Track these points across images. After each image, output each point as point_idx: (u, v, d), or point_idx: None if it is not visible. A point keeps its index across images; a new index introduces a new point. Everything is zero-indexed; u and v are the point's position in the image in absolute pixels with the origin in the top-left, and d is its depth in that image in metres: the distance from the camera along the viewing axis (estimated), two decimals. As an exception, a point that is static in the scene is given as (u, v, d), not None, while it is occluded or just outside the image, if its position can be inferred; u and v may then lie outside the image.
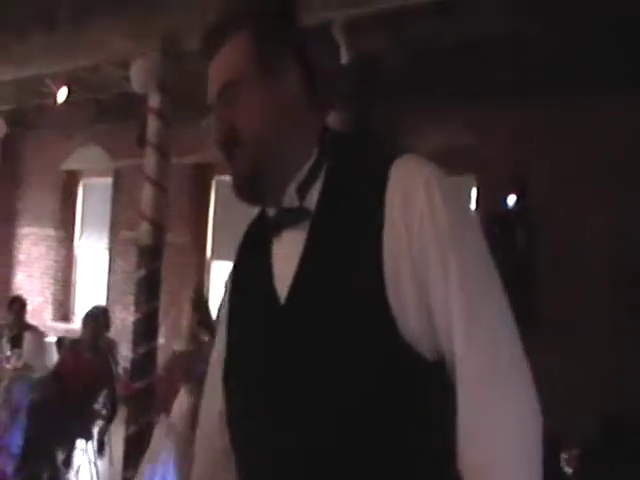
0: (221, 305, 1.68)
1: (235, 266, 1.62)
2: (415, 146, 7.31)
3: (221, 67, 1.44)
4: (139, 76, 6.80)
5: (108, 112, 9.19)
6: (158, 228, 6.97)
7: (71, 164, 11.00)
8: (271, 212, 1.51)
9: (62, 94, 8.06)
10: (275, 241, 1.48)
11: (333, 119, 7.26)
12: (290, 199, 1.44)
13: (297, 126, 1.42)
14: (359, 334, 1.27)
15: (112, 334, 7.42)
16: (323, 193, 1.41)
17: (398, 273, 1.28)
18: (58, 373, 6.33)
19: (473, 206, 7.18)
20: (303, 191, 1.42)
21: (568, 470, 5.40)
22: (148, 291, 6.84)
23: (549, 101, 6.38)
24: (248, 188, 1.49)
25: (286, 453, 1.32)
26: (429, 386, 1.31)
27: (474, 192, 7.20)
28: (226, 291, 1.64)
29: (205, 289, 9.54)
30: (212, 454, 1.56)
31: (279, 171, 1.42)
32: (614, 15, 5.13)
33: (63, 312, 11.14)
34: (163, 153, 6.95)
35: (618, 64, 5.71)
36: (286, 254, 1.42)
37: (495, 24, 5.57)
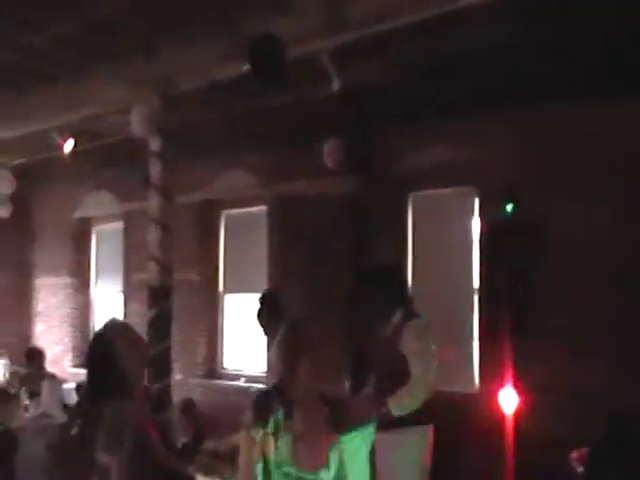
0: None
1: None
2: (415, 163, 7.48)
3: None
4: (139, 122, 7.01)
5: (114, 158, 9.42)
6: (166, 268, 7.15)
7: (83, 211, 11.25)
8: None
9: (69, 145, 8.28)
10: None
11: (333, 145, 7.49)
12: None
13: None
14: None
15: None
16: None
17: None
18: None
19: (475, 218, 7.32)
20: None
21: (579, 468, 5.48)
22: (160, 330, 7.01)
23: (537, 110, 6.52)
24: None
25: None
26: None
27: (476, 203, 7.31)
28: None
29: (219, 326, 9.71)
30: None
31: None
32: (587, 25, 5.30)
33: (82, 358, 11.30)
34: (166, 194, 7.14)
35: (596, 69, 5.86)
36: None
37: (482, 39, 5.72)
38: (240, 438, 4.78)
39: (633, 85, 5.85)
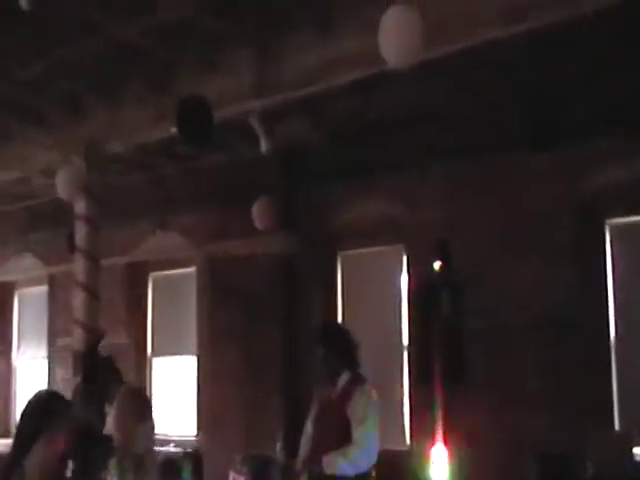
0: None
1: None
2: (346, 220, 7.57)
3: None
4: (64, 184, 6.92)
5: (39, 220, 9.26)
6: (92, 333, 7.00)
7: (5, 275, 10.96)
8: None
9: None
10: None
11: (262, 205, 7.53)
12: None
13: None
14: None
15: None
16: None
17: None
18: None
19: (404, 275, 7.41)
20: None
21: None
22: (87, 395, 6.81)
23: (466, 168, 6.71)
24: None
25: None
26: None
27: (404, 261, 7.43)
28: None
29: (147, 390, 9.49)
30: None
31: None
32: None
33: (3, 428, 10.85)
34: (92, 257, 7.04)
35: (521, 125, 6.08)
36: None
37: (409, 100, 5.89)
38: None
39: (556, 140, 6.06)
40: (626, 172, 6.15)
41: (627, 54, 5.21)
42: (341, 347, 4.73)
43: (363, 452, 4.46)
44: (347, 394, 4.58)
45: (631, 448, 5.78)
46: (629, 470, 5.62)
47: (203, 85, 5.85)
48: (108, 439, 3.50)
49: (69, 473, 3.05)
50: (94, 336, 7.50)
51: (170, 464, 5.09)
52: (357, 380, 4.64)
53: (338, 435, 4.46)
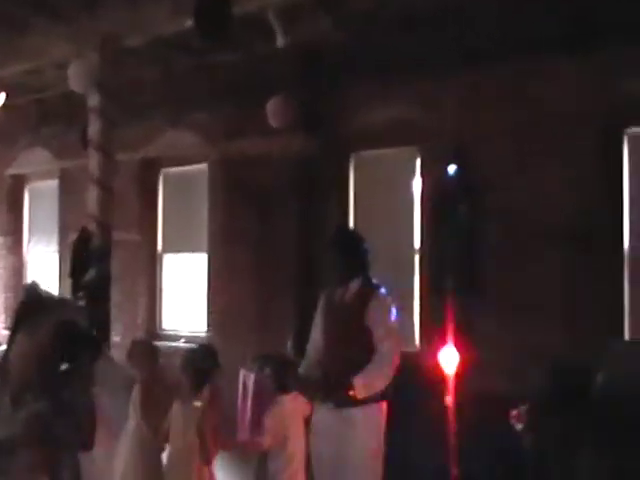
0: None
1: None
2: (359, 123, 7.47)
3: None
4: (77, 77, 6.83)
5: (51, 114, 9.16)
6: (105, 228, 7.03)
7: (16, 169, 10.93)
8: None
9: (0, 100, 8.00)
10: None
11: (277, 102, 7.42)
12: None
13: None
14: None
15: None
16: None
17: None
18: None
19: (417, 179, 7.37)
20: None
21: (518, 426, 5.64)
22: (98, 291, 6.90)
23: (491, 70, 6.54)
24: None
25: None
26: None
27: (418, 163, 7.37)
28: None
29: (158, 286, 9.61)
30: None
31: None
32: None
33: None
34: (106, 152, 7.00)
35: (545, 29, 5.92)
36: None
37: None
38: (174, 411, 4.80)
39: (581, 44, 5.91)
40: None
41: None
42: (354, 251, 4.72)
43: (394, 367, 4.49)
44: (362, 300, 4.55)
45: (642, 359, 5.85)
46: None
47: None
48: (93, 338, 3.50)
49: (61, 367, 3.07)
50: (82, 234, 7.54)
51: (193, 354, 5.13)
52: (370, 285, 4.64)
53: (360, 346, 4.45)
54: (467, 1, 5.67)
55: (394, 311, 4.60)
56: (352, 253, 4.69)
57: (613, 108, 6.19)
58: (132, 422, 5.03)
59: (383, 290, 4.63)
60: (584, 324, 6.09)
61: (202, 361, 4.84)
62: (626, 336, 6.33)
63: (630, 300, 6.30)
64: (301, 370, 4.81)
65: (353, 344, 4.48)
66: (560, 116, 6.31)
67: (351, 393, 4.34)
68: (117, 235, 7.89)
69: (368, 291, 4.59)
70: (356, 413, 4.42)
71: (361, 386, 4.36)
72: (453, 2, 5.66)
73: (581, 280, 6.22)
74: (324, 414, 4.57)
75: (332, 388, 4.46)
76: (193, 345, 7.53)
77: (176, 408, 4.81)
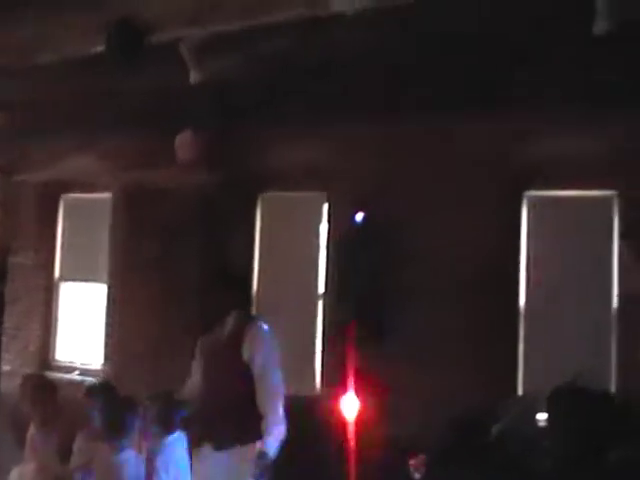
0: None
1: None
2: (268, 164, 7.44)
3: None
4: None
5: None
6: (2, 250, 6.76)
7: None
8: None
9: None
10: None
11: (185, 137, 7.32)
12: None
13: None
14: None
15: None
16: None
17: None
18: None
19: (324, 224, 7.36)
20: None
21: (416, 475, 5.65)
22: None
23: (395, 124, 6.61)
24: None
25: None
26: None
27: (325, 208, 7.36)
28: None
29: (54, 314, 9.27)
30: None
31: None
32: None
33: None
34: (6, 173, 6.76)
35: (454, 88, 6.03)
36: None
37: (353, 45, 5.72)
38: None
39: (486, 106, 6.05)
40: (550, 149, 6.20)
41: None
42: (236, 286, 4.64)
43: (282, 400, 4.41)
44: (238, 335, 4.46)
45: (535, 413, 5.94)
46: (532, 434, 5.78)
47: (136, 6, 5.55)
48: None
49: None
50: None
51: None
52: (248, 318, 4.55)
53: (240, 384, 4.38)
54: (381, 53, 5.69)
55: (273, 343, 4.52)
56: (232, 288, 4.62)
57: (513, 170, 6.37)
58: (31, 465, 4.79)
59: (261, 323, 4.55)
60: (482, 377, 6.17)
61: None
62: (519, 391, 6.44)
63: (524, 356, 6.42)
64: (188, 410, 4.70)
65: (232, 383, 4.40)
66: (464, 174, 6.45)
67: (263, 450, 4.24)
68: (14, 258, 7.62)
69: (244, 325, 4.51)
70: (237, 454, 4.32)
71: (273, 447, 4.27)
72: (367, 51, 5.68)
73: (480, 333, 6.30)
74: (206, 456, 4.46)
75: (213, 430, 4.36)
76: (90, 379, 7.32)
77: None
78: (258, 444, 4.26)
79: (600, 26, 3.92)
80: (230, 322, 4.53)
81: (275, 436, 4.30)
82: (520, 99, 5.87)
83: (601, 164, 6.07)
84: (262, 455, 4.19)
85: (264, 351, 4.45)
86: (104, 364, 8.53)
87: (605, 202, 6.33)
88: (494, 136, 6.31)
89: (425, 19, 5.08)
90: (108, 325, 8.57)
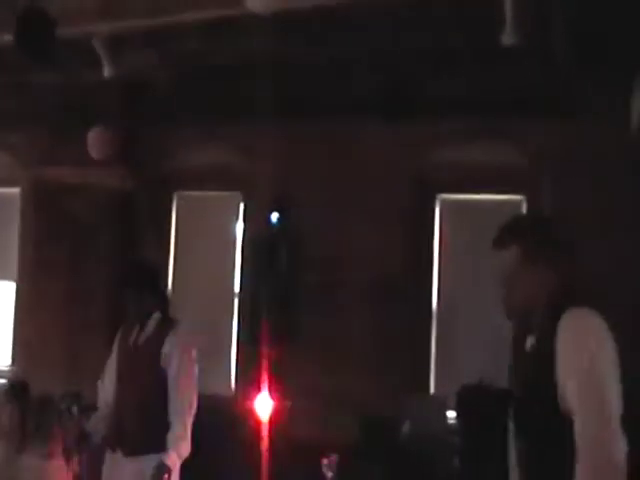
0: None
1: None
2: (183, 163, 7.35)
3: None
4: None
5: None
6: None
7: None
8: None
9: None
10: None
11: (98, 134, 7.15)
12: None
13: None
14: None
15: None
16: None
17: None
18: None
19: (239, 224, 7.32)
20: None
21: (329, 474, 5.67)
22: None
23: (314, 123, 6.63)
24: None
25: None
26: None
27: (241, 209, 7.33)
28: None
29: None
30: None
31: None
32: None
33: None
34: None
35: (368, 92, 6.08)
36: None
37: (266, 47, 5.69)
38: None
39: (397, 112, 6.12)
40: (461, 154, 6.33)
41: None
42: (151, 286, 4.50)
43: (193, 413, 4.31)
44: (157, 340, 4.34)
45: (445, 412, 6.05)
46: (442, 432, 5.89)
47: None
48: None
49: None
50: None
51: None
52: (168, 323, 4.44)
53: (154, 391, 4.27)
54: (294, 56, 5.69)
55: (192, 354, 4.42)
56: (148, 288, 4.48)
57: (425, 175, 6.47)
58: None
59: (182, 331, 4.45)
60: (394, 378, 6.26)
61: None
62: (431, 391, 6.55)
63: (436, 358, 6.53)
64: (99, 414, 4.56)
65: (147, 389, 4.27)
66: (378, 177, 6.53)
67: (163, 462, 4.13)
68: None
69: (166, 330, 4.39)
70: (148, 460, 4.22)
71: (174, 461, 4.14)
72: (280, 55, 5.66)
73: (392, 335, 6.39)
74: (117, 462, 4.34)
75: (124, 435, 4.26)
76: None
77: None
78: (161, 455, 4.16)
79: (508, 38, 4.00)
80: (151, 325, 4.38)
81: (178, 451, 4.19)
82: (432, 105, 5.97)
83: (510, 169, 6.23)
84: (160, 467, 4.08)
85: (181, 361, 4.33)
86: (13, 364, 8.29)
87: (514, 205, 6.50)
88: (407, 140, 6.40)
89: (343, 26, 5.12)
90: (16, 324, 8.33)
